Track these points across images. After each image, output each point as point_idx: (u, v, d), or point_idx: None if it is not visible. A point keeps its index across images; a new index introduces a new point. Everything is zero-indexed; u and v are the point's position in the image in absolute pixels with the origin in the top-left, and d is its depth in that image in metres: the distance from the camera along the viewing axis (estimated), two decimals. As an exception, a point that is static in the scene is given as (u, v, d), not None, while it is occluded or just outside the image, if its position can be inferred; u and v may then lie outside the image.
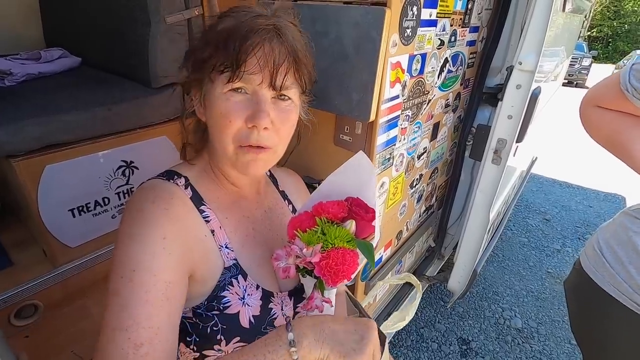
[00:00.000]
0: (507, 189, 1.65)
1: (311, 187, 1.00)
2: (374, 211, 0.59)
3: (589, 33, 22.31)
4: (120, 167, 1.08)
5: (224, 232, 0.60)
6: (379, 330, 0.56)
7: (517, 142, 1.16)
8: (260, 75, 0.52)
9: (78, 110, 0.97)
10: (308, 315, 0.63)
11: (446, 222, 1.59)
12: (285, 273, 0.55)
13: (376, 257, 1.13)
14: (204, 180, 0.62)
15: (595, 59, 15.50)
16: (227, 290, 0.57)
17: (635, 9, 22.09)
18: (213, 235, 0.58)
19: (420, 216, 1.39)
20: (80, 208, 1.02)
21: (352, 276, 0.56)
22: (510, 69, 1.11)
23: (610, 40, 21.84)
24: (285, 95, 0.56)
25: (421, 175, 1.23)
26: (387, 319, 0.64)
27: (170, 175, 0.59)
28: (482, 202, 1.26)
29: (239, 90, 0.53)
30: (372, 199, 0.61)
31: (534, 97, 1.10)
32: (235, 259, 0.59)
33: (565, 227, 3.09)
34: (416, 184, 1.22)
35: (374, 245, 0.60)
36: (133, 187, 1.12)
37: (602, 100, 0.88)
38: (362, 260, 0.58)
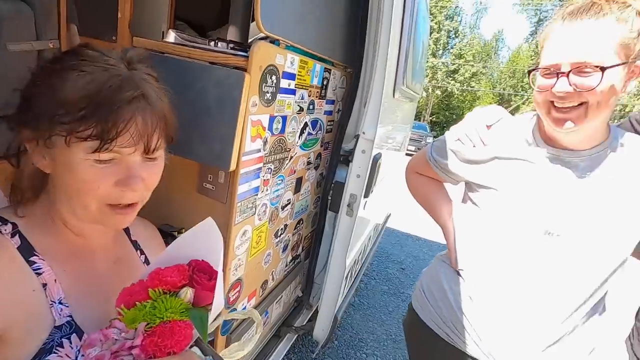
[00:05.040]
0: (362, 238, 1.87)
1: (170, 235, 0.96)
2: (217, 274, 0.55)
3: (431, 118, 28.57)
4: None
5: (59, 286, 0.53)
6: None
7: (364, 197, 1.37)
8: (133, 147, 0.51)
9: None
10: None
11: (313, 271, 1.68)
12: None
13: (239, 308, 1.11)
14: (38, 229, 0.54)
15: (435, 137, 19.75)
16: (56, 353, 0.49)
17: (459, 104, 29.60)
18: (45, 289, 0.51)
19: (286, 265, 1.45)
20: None
21: (186, 348, 0.50)
22: (357, 137, 1.35)
23: (444, 125, 28.22)
24: (155, 157, 0.56)
25: (286, 225, 1.32)
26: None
27: None
28: (340, 250, 1.41)
29: (107, 160, 0.50)
30: (218, 264, 0.56)
31: (375, 160, 1.35)
32: (71, 316, 0.52)
33: (417, 274, 3.59)
34: (281, 234, 1.29)
35: (218, 313, 0.56)
36: None
37: (418, 168, 1.14)
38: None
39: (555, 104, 0.75)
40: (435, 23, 26.17)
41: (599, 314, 0.86)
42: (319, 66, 1.19)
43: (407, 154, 3.33)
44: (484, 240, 0.91)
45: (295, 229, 1.42)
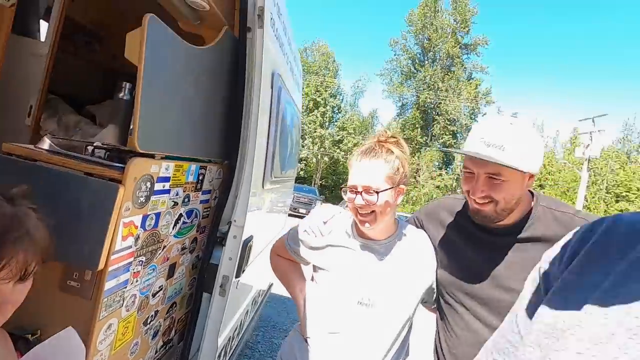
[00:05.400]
0: (238, 314, 1.98)
1: (22, 338, 0.95)
2: None
3: (320, 182, 30.83)
4: None
5: None
6: None
7: (236, 277, 1.53)
8: (9, 279, 0.54)
9: None
10: None
11: (187, 354, 1.68)
12: None
13: (98, 408, 1.08)
14: None
15: (326, 199, 21.20)
16: None
17: (345, 170, 32.94)
18: None
19: (157, 352, 1.45)
20: None
21: None
22: (229, 223, 1.55)
23: (332, 188, 30.72)
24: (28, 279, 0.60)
25: (157, 311, 1.37)
26: None
27: None
28: (213, 329, 1.50)
29: None
30: None
31: (246, 244, 1.55)
32: None
33: (302, 340, 3.70)
34: (151, 321, 1.33)
35: None
36: None
37: (278, 251, 1.38)
38: None
39: (359, 210, 1.10)
40: (322, 99, 29.84)
41: (402, 358, 1.17)
42: (194, 166, 1.39)
43: (290, 215, 3.68)
44: (321, 311, 1.17)
45: (167, 313, 1.47)
